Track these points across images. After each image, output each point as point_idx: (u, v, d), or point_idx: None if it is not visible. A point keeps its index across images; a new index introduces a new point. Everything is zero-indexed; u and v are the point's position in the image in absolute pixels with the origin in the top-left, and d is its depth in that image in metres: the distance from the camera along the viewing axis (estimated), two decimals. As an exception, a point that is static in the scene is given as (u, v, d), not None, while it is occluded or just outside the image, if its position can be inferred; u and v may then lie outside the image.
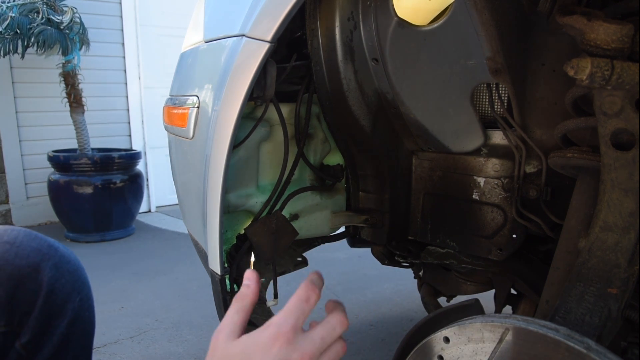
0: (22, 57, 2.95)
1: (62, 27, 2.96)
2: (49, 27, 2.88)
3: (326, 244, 1.38)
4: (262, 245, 1.07)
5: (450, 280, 1.27)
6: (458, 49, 0.87)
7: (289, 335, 0.49)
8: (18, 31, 2.79)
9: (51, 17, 2.92)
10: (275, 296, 1.19)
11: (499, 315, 0.60)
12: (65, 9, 3.12)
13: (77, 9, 3.15)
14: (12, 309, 0.72)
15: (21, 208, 3.57)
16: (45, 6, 2.94)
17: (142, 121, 3.99)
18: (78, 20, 3.11)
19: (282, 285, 2.23)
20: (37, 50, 2.90)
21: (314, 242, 1.36)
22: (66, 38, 2.97)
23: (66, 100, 3.23)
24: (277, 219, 1.09)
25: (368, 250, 1.45)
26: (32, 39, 2.82)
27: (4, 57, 2.92)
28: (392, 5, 0.92)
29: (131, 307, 2.15)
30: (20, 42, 2.86)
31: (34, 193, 3.60)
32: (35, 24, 2.83)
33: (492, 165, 1.00)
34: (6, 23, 2.76)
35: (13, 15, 2.77)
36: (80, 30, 3.11)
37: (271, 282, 1.20)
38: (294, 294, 0.53)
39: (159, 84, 3.99)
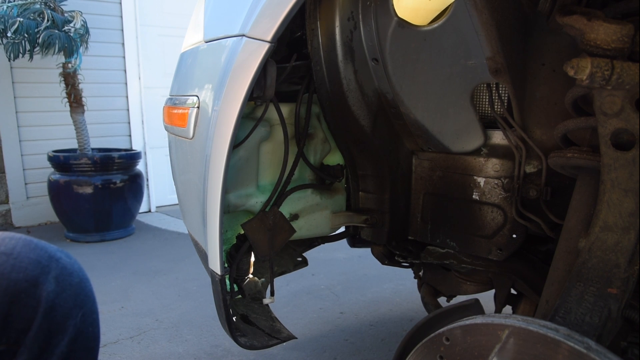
0: (31, 59, 2.97)
1: (69, 32, 2.97)
2: (55, 31, 2.90)
3: (326, 244, 1.38)
4: (258, 242, 1.07)
5: (450, 280, 1.27)
6: (458, 49, 0.87)
7: None
8: (26, 35, 2.81)
9: (56, 20, 2.93)
10: (272, 294, 1.19)
11: (499, 315, 0.60)
12: (66, 9, 3.13)
13: (82, 12, 3.16)
14: (8, 327, 0.65)
15: (21, 208, 3.57)
16: (47, 8, 2.95)
17: (142, 121, 3.98)
18: (83, 22, 3.12)
19: (282, 285, 2.24)
20: (42, 53, 2.91)
21: (314, 242, 1.36)
22: (71, 41, 2.98)
23: (66, 100, 3.23)
24: (274, 215, 1.08)
25: (368, 250, 1.44)
26: (39, 43, 2.84)
27: (14, 60, 2.94)
28: (392, 5, 0.92)
29: (131, 307, 2.15)
30: (27, 45, 2.88)
31: (34, 193, 3.59)
32: (41, 28, 2.85)
33: (492, 165, 1.00)
34: (14, 27, 2.78)
35: (21, 19, 2.79)
36: (84, 32, 3.12)
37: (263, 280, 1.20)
38: None
39: (159, 84, 3.99)
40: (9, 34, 2.79)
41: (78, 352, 0.73)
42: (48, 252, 0.72)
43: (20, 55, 2.89)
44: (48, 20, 2.89)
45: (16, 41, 2.83)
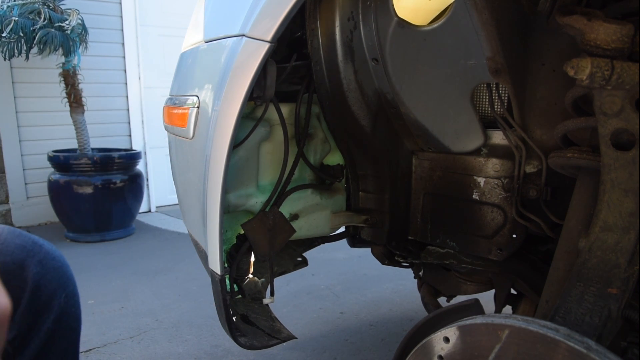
0: (27, 58, 2.96)
1: (65, 30, 2.96)
2: (52, 30, 2.89)
3: (326, 244, 1.38)
4: (258, 242, 1.07)
5: (450, 280, 1.27)
6: (458, 49, 0.87)
7: None
8: (22, 34, 2.80)
9: (53, 19, 2.93)
10: (272, 294, 1.19)
11: (499, 315, 0.60)
12: (64, 7, 3.13)
13: (79, 10, 3.15)
14: None
15: (21, 208, 3.56)
16: (46, 7, 2.95)
17: (142, 121, 3.98)
18: (80, 21, 3.12)
19: (282, 285, 2.24)
20: (40, 52, 2.91)
21: (314, 242, 1.36)
22: (68, 39, 2.98)
23: (66, 100, 3.23)
24: (274, 215, 1.09)
25: (368, 250, 1.44)
26: (36, 41, 2.84)
27: (9, 59, 2.93)
28: (392, 5, 0.92)
29: (131, 307, 2.15)
30: (24, 45, 2.87)
31: (34, 193, 3.59)
32: (37, 26, 2.84)
33: (492, 165, 1.00)
34: (10, 27, 2.77)
35: (16, 18, 2.78)
36: (82, 31, 3.12)
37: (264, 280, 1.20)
38: None
39: (159, 84, 3.99)
40: (4, 34, 2.79)
41: (62, 330, 0.79)
42: (32, 238, 0.78)
43: (16, 54, 2.89)
44: (45, 19, 2.88)
45: (11, 40, 2.82)
